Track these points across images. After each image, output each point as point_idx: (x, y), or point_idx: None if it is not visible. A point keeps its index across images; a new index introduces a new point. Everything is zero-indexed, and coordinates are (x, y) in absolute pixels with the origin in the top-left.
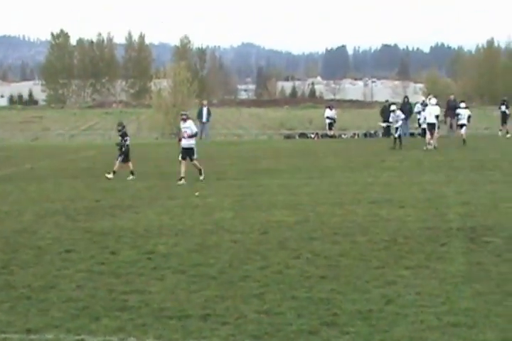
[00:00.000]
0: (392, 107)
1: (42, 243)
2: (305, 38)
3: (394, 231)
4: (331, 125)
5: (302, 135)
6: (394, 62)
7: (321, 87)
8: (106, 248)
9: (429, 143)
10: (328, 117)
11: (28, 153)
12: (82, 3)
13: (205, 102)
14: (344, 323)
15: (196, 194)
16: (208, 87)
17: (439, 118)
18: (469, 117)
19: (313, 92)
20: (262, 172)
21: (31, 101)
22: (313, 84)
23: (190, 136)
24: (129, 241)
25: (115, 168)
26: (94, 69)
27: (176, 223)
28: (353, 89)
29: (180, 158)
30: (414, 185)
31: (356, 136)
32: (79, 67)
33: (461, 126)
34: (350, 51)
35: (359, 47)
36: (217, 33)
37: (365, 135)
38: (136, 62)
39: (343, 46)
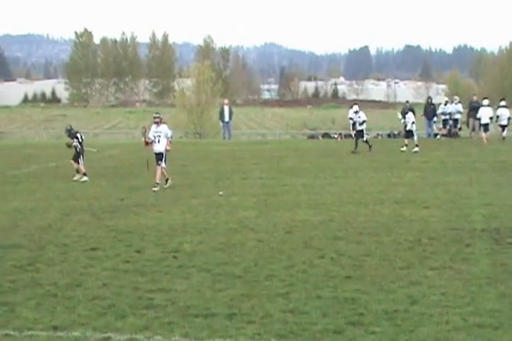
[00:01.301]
0: (355, 108)
1: (67, 240)
2: (328, 38)
3: (418, 232)
4: (354, 125)
5: (325, 135)
6: (416, 62)
7: (343, 87)
8: (131, 246)
9: (486, 139)
10: (350, 118)
11: (52, 151)
12: (106, 2)
13: (226, 101)
14: (370, 323)
15: (220, 193)
16: (231, 87)
17: (462, 119)
18: (509, 119)
19: (335, 92)
20: (285, 171)
21: (54, 99)
22: (335, 84)
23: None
24: (154, 239)
25: (82, 169)
26: (118, 68)
27: (200, 222)
28: (375, 89)
29: (149, 168)
30: (438, 186)
31: (380, 137)
32: (102, 66)
33: (502, 126)
34: (373, 52)
35: (382, 47)
36: (240, 32)
37: (389, 135)
38: (160, 61)
39: (366, 47)
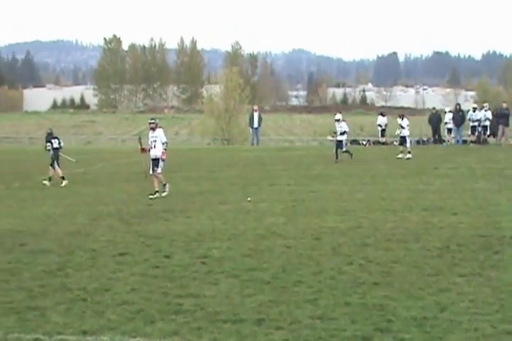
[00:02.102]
0: (337, 116)
1: (96, 245)
2: (356, 44)
3: (447, 239)
4: (383, 132)
5: (354, 142)
6: (445, 69)
7: (371, 93)
8: (159, 251)
9: None
10: (379, 124)
11: (80, 157)
12: (135, 8)
13: (255, 107)
14: (398, 330)
15: (248, 199)
16: (259, 93)
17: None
18: None
19: (364, 99)
20: (313, 178)
21: (83, 105)
22: (364, 90)
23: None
24: (183, 245)
25: (59, 174)
26: (146, 74)
27: (229, 227)
28: (404, 96)
29: (147, 175)
30: (467, 193)
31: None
32: (131, 72)
33: None
34: (401, 58)
35: (410, 54)
36: (268, 38)
37: (418, 142)
38: (188, 67)
39: (395, 53)
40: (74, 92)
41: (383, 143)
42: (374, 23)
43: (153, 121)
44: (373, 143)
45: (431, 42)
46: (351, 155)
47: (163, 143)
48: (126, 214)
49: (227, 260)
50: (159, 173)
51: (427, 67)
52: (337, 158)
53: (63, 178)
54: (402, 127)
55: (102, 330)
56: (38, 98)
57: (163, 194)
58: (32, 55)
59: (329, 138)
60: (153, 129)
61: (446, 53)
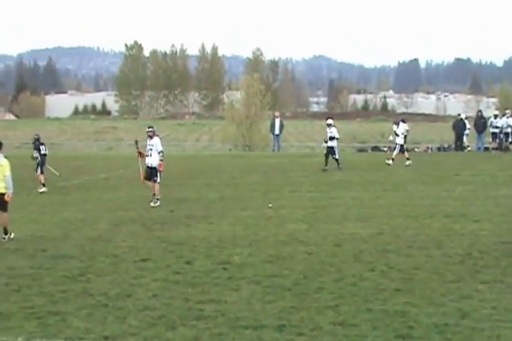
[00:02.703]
0: (329, 121)
1: (118, 251)
2: (377, 50)
3: (469, 246)
4: (404, 138)
5: (375, 148)
6: (466, 76)
7: (393, 100)
8: (181, 257)
9: None
10: (401, 132)
11: (101, 163)
12: (157, 15)
13: (277, 114)
14: (420, 336)
15: (270, 205)
16: (280, 100)
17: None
18: None
19: (385, 106)
20: (334, 184)
21: (104, 111)
22: (385, 97)
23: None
24: (204, 251)
25: (41, 180)
26: (167, 80)
27: (250, 234)
28: (425, 102)
29: (142, 178)
30: (489, 199)
31: (429, 150)
32: (152, 79)
33: None
34: (422, 64)
35: (431, 60)
36: (289, 45)
37: (439, 149)
38: (209, 73)
39: (416, 59)
40: (95, 98)
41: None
42: (395, 29)
43: (150, 129)
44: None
45: (452, 49)
46: (339, 164)
47: (158, 153)
48: (148, 219)
49: (249, 266)
50: (157, 183)
51: (448, 73)
52: (326, 165)
53: (44, 185)
54: (397, 134)
55: (124, 336)
56: (59, 104)
57: (151, 204)
58: (54, 61)
59: (324, 145)
60: (151, 137)
61: (468, 60)
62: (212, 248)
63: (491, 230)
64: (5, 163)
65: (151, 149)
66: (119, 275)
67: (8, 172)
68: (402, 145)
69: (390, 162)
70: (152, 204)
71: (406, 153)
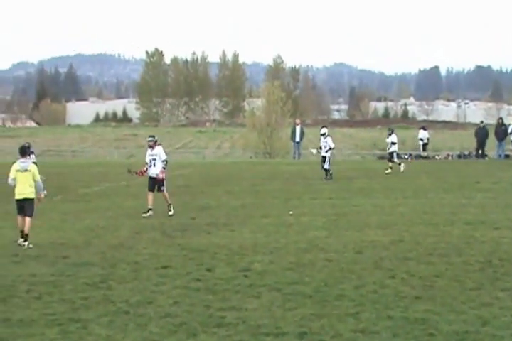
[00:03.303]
0: (323, 131)
1: (139, 258)
2: (398, 58)
3: (489, 253)
4: (424, 146)
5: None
6: (487, 83)
7: (413, 107)
8: (202, 265)
9: None
10: (421, 138)
11: (122, 170)
12: (177, 22)
13: (298, 121)
14: None
15: (290, 213)
16: (301, 107)
17: None
18: None
19: (405, 113)
20: (355, 192)
21: (125, 118)
22: (405, 104)
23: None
24: (225, 258)
25: None
26: (188, 87)
27: (271, 241)
28: (445, 110)
29: (147, 189)
30: (509, 207)
31: (450, 157)
32: (173, 86)
33: None
34: (443, 72)
35: (452, 68)
36: (309, 52)
37: (459, 156)
38: (230, 81)
39: (437, 67)
40: (116, 106)
41: (425, 157)
42: (416, 36)
43: (151, 138)
44: (415, 157)
45: (473, 56)
46: (327, 175)
47: (162, 161)
48: (169, 227)
49: (270, 273)
50: (163, 190)
51: (469, 81)
52: (326, 175)
53: None
54: (393, 143)
55: None
56: (80, 111)
57: (170, 213)
58: (75, 68)
59: (314, 151)
60: (152, 147)
61: (489, 67)
62: (233, 255)
63: (511, 237)
64: (33, 168)
65: (154, 159)
66: (140, 282)
67: (37, 178)
68: (391, 153)
69: (402, 168)
70: (170, 213)
71: (390, 163)
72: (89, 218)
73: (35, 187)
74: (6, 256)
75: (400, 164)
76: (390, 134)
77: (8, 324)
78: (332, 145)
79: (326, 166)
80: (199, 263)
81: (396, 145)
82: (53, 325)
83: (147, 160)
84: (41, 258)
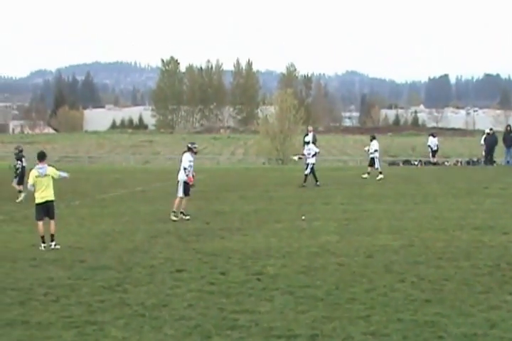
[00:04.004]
0: (307, 138)
1: (154, 262)
2: (408, 66)
3: (497, 257)
4: (434, 152)
5: (406, 162)
6: (496, 91)
7: (423, 115)
8: (216, 268)
9: None
10: (429, 145)
11: (139, 176)
12: (192, 30)
13: (310, 128)
14: None
15: (303, 218)
16: (313, 114)
17: None
18: None
19: (415, 120)
20: (366, 197)
21: (141, 125)
22: (416, 112)
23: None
24: (238, 262)
25: (18, 188)
26: (203, 95)
27: (283, 245)
28: (455, 117)
29: (184, 195)
30: None
31: (459, 164)
32: (188, 93)
33: None
34: (452, 80)
35: (461, 76)
36: (322, 61)
37: (468, 162)
38: (244, 88)
39: (446, 75)
40: (132, 113)
41: (434, 164)
42: (426, 45)
43: (196, 145)
44: (425, 163)
45: (482, 65)
46: (304, 181)
47: (184, 169)
48: (184, 231)
49: (282, 277)
50: (179, 197)
51: (478, 89)
52: (316, 181)
53: (20, 191)
54: (376, 150)
55: None
56: (97, 118)
57: (186, 218)
58: (92, 76)
59: (294, 158)
60: (196, 153)
61: (497, 75)
62: (246, 259)
63: None
64: (51, 171)
65: (191, 165)
66: (156, 285)
67: (57, 173)
68: (373, 159)
69: (381, 176)
70: (187, 217)
71: (370, 168)
72: (105, 223)
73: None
74: (25, 259)
75: (380, 172)
76: (371, 140)
77: (27, 326)
78: (317, 150)
79: (306, 172)
80: (213, 266)
81: (377, 152)
82: (70, 328)
83: (186, 165)
84: (59, 261)
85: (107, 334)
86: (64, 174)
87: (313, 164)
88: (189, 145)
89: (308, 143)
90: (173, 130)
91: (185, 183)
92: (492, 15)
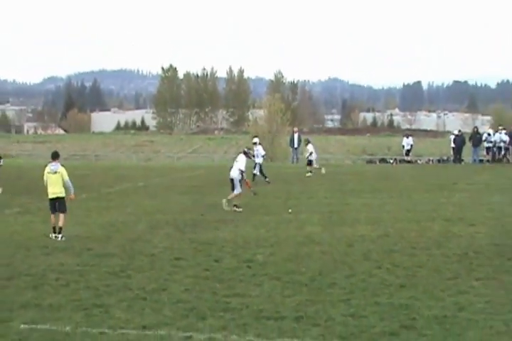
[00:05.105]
0: (255, 140)
1: (155, 251)
2: (385, 74)
3: (465, 246)
4: (407, 151)
5: (382, 160)
6: (464, 96)
7: (398, 117)
8: (210, 256)
9: None
10: (404, 145)
11: (141, 172)
12: (190, 41)
13: (296, 129)
14: (422, 327)
15: (289, 211)
16: (298, 117)
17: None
18: None
19: (391, 122)
20: (347, 192)
21: (143, 127)
22: (391, 115)
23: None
24: (231, 250)
25: None
26: (199, 99)
27: (272, 235)
28: (427, 120)
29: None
30: (484, 205)
31: (431, 162)
32: (185, 98)
33: None
34: (425, 86)
35: (433, 82)
36: (307, 68)
37: (439, 161)
38: (236, 93)
39: (419, 82)
40: (135, 115)
41: (408, 162)
42: (401, 54)
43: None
44: (399, 161)
45: (451, 72)
46: (252, 180)
47: (241, 171)
48: (181, 223)
49: (270, 264)
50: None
51: (447, 94)
52: (265, 177)
53: None
54: (311, 153)
55: (160, 325)
56: (103, 120)
57: (226, 208)
58: (98, 82)
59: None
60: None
61: (465, 82)
62: (237, 248)
63: (485, 233)
64: (62, 169)
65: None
66: (156, 271)
67: (66, 178)
68: (310, 161)
69: (310, 174)
70: (239, 209)
71: (309, 167)
72: (110, 214)
73: (66, 187)
74: (38, 247)
75: (320, 168)
76: (306, 144)
77: (39, 308)
78: (263, 153)
79: (254, 171)
80: (208, 255)
81: (314, 154)
82: (79, 310)
83: (243, 168)
84: (68, 249)
85: (111, 315)
86: (71, 188)
87: (261, 164)
88: (245, 150)
89: (255, 143)
90: (172, 131)
91: (240, 181)
92: (459, 27)
